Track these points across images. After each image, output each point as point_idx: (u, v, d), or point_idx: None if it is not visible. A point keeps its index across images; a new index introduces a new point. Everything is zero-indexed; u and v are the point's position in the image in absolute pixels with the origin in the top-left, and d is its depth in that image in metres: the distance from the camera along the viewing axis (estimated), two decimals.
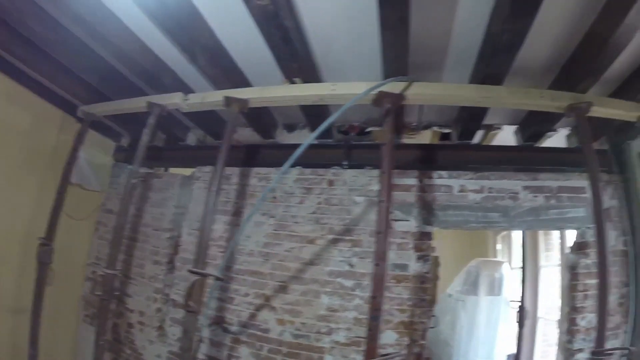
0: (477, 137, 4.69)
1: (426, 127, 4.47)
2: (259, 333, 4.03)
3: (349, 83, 3.25)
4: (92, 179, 5.29)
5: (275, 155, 4.29)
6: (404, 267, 3.87)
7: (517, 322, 5.63)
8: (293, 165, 4.09)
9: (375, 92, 3.12)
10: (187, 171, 5.08)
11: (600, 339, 2.93)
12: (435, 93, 3.26)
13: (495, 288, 6.47)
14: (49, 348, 4.72)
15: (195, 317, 3.12)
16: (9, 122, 4.41)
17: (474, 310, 6.34)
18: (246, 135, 4.69)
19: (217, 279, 3.22)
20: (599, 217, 3.03)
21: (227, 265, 4.22)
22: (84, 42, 3.60)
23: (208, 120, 4.50)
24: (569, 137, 4.51)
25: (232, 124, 3.52)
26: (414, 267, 3.85)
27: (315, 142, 4.30)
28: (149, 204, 5.03)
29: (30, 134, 4.66)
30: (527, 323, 6.22)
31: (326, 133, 4.27)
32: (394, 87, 3.15)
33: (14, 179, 4.54)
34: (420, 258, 3.88)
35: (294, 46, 3.13)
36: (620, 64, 3.23)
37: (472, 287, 6.49)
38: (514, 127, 4.50)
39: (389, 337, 3.78)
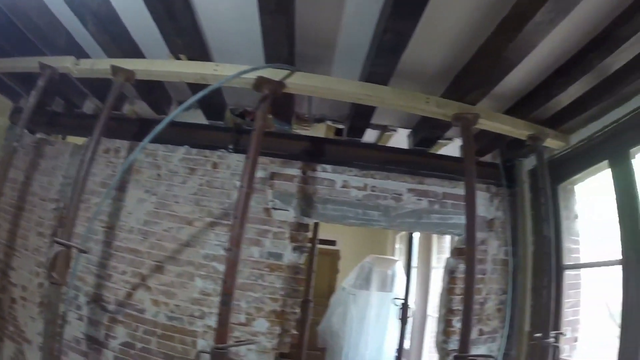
0: (372, 137, 4.74)
1: (319, 121, 4.48)
2: (134, 313, 3.92)
3: (233, 65, 3.18)
4: None
5: (165, 133, 4.12)
6: (278, 256, 3.89)
7: (400, 318, 5.74)
8: (181, 144, 4.07)
9: (254, 77, 3.07)
10: (81, 140, 4.82)
11: (464, 344, 2.94)
12: (317, 85, 3.23)
13: (387, 284, 6.64)
14: None
15: (58, 289, 2.99)
16: None
17: (365, 304, 6.50)
18: (144, 108, 4.55)
19: (80, 251, 3.11)
20: (470, 225, 3.12)
21: (106, 241, 4.11)
22: None
23: (105, 88, 4.28)
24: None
25: (115, 95, 3.37)
26: (289, 257, 3.88)
27: (206, 123, 4.28)
28: (39, 171, 4.78)
29: None
30: (417, 320, 6.41)
31: (218, 114, 4.21)
32: (275, 74, 3.11)
33: None
34: (296, 249, 3.90)
35: (179, 22, 3.03)
36: (516, 81, 3.34)
37: (364, 282, 6.66)
38: (407, 131, 4.56)
39: (261, 325, 3.80)
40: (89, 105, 4.94)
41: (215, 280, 3.80)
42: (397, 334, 6.05)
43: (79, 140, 4.82)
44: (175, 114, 3.01)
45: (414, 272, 6.50)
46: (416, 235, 6.46)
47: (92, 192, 4.21)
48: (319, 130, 4.69)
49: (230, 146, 4.11)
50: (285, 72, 3.14)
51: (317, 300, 7.39)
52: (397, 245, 8.68)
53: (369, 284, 6.64)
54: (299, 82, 3.18)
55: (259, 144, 2.97)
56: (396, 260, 7.07)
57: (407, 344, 6.63)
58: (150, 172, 4.17)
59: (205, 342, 3.73)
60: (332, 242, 9.56)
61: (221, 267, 3.77)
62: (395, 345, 6.21)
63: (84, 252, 3.17)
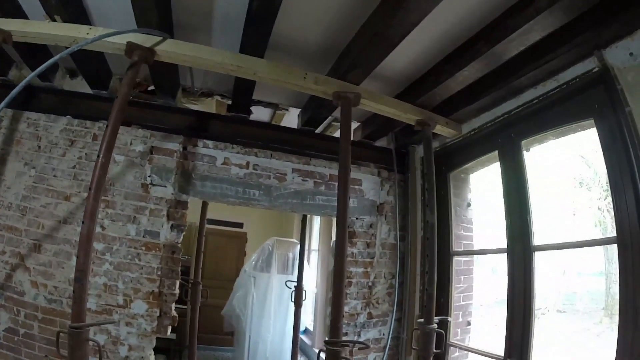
0: (265, 115, 4.71)
1: (207, 95, 4.40)
2: (15, 296, 3.69)
3: (104, 30, 2.99)
4: None
5: (49, 102, 3.97)
6: (155, 234, 3.81)
7: (293, 301, 5.75)
8: (63, 114, 3.88)
9: (124, 42, 2.94)
10: None
11: (335, 329, 2.91)
12: (188, 53, 3.10)
13: (288, 267, 6.65)
14: None
15: None
16: None
17: (266, 287, 6.50)
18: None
19: None
20: (342, 206, 3.07)
21: None
22: None
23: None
24: (355, 130, 4.64)
25: None
26: (166, 235, 3.80)
27: (90, 92, 4.09)
28: None
29: None
30: (319, 302, 6.46)
31: (103, 84, 4.06)
32: (148, 40, 2.98)
33: None
34: (174, 227, 3.84)
35: None
36: (404, 65, 3.44)
37: (265, 264, 6.66)
38: (298, 111, 4.54)
39: (139, 307, 3.71)
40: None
41: (92, 260, 3.60)
42: (300, 317, 6.06)
43: None
44: (31, 77, 2.85)
45: (315, 255, 6.52)
46: (317, 218, 6.49)
47: None
48: (209, 106, 4.62)
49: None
50: (157, 39, 3.01)
51: (223, 284, 7.43)
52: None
53: (270, 267, 6.64)
54: (170, 49, 3.04)
55: (121, 112, 2.85)
56: (297, 243, 7.07)
57: (310, 326, 6.68)
58: (31, 143, 3.91)
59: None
60: (240, 225, 9.51)
61: (98, 246, 3.70)
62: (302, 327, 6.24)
63: None
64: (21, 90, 3.76)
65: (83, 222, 2.69)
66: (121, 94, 2.90)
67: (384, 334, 4.34)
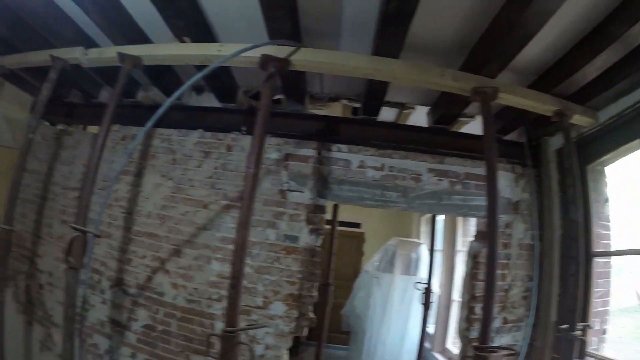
0: (391, 116, 4.60)
1: (334, 100, 4.36)
2: (154, 296, 3.97)
3: (237, 45, 3.08)
4: (7, 135, 5.15)
5: (179, 117, 4.18)
6: (294, 238, 3.83)
7: (423, 303, 5.60)
8: (195, 128, 4.03)
9: (259, 55, 2.97)
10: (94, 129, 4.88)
11: (484, 334, 2.80)
12: (323, 60, 3.10)
13: (411, 268, 6.50)
14: None
15: (75, 273, 3.04)
16: None
17: (389, 288, 6.37)
18: (159, 95, 4.55)
19: (95, 235, 3.10)
20: (492, 207, 2.93)
21: (126, 227, 4.16)
22: None
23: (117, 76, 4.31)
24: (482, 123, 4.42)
25: (123, 81, 3.37)
26: (305, 239, 3.81)
27: (219, 106, 4.23)
28: (60, 162, 4.88)
29: None
30: (442, 305, 6.24)
31: (230, 97, 4.16)
32: (280, 51, 3.00)
33: None
34: (313, 231, 3.83)
35: (178, 3, 2.99)
36: (537, 53, 3.17)
37: (388, 265, 6.54)
38: (427, 109, 4.40)
39: (278, 309, 3.76)
40: (104, 95, 4.97)
41: (232, 263, 3.74)
42: (420, 319, 5.91)
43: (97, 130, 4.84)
44: (176, 95, 2.97)
45: (438, 256, 6.33)
46: (440, 218, 6.29)
47: (112, 179, 4.24)
48: (334, 110, 4.58)
49: (244, 128, 4.05)
50: (290, 48, 3.02)
51: (341, 283, 7.38)
52: (422, 228, 8.41)
53: (393, 267, 6.51)
54: (304, 58, 3.06)
55: (265, 123, 2.90)
56: (420, 243, 6.89)
57: (431, 329, 6.50)
58: (166, 157, 4.19)
59: (222, 325, 3.66)
60: (357, 225, 9.40)
61: None
62: (419, 330, 6.07)
63: (98, 236, 3.15)
64: (152, 109, 3.98)
65: (237, 231, 2.72)
66: (263, 105, 2.92)
67: (517, 340, 4.09)
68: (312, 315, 3.83)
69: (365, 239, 9.41)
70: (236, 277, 2.71)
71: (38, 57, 3.90)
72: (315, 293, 3.83)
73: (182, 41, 3.32)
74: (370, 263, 6.96)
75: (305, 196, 3.87)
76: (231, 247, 3.66)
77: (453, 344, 6.12)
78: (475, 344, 2.84)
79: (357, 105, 4.35)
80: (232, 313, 2.70)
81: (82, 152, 4.70)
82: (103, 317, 4.12)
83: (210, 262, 3.84)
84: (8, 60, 4.24)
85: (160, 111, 2.91)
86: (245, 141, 4.01)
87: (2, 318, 3.66)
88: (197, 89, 4.46)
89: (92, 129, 5.07)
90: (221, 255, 3.83)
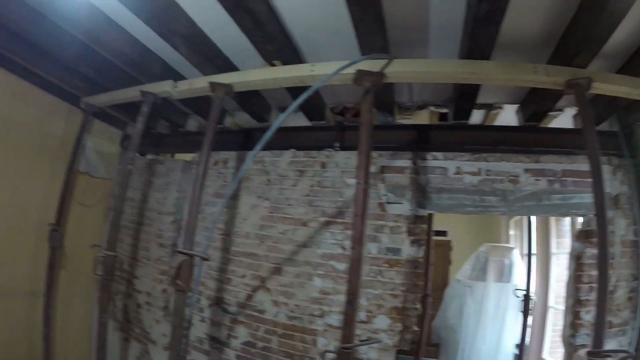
0: (478, 117, 4.51)
1: (421, 107, 4.32)
2: (255, 314, 4.06)
3: (328, 63, 3.10)
4: (100, 167, 5.46)
5: (270, 139, 4.22)
6: (396, 251, 3.78)
7: (522, 311, 5.41)
8: (286, 148, 4.12)
9: (353, 71, 2.99)
10: (189, 156, 5.16)
11: (598, 338, 2.69)
12: (417, 70, 3.06)
13: (504, 274, 6.29)
14: (64, 328, 5.02)
15: (184, 295, 3.13)
16: (17, 117, 4.63)
17: (482, 296, 6.17)
18: (245, 119, 4.67)
19: (203, 259, 3.17)
20: (600, 204, 2.79)
21: (225, 247, 4.29)
22: (77, 38, 3.66)
23: (204, 105, 4.45)
24: (575, 117, 4.27)
25: (216, 110, 3.46)
26: (407, 251, 3.74)
27: (309, 124, 4.30)
28: (153, 189, 5.12)
29: (38, 126, 4.88)
30: (537, 312, 5.99)
31: (318, 115, 4.22)
32: (373, 65, 3.00)
33: (26, 169, 4.77)
34: (414, 242, 3.76)
35: (267, 29, 3.08)
36: (623, 36, 3.03)
37: (480, 272, 6.34)
38: (515, 107, 4.29)
39: (381, 322, 3.73)
40: (191, 123, 5.15)
41: (334, 278, 3.81)
42: (519, 328, 5.70)
43: (186, 157, 5.16)
44: (283, 117, 2.96)
45: (529, 260, 6.10)
46: (533, 219, 6.07)
47: (207, 202, 4.41)
48: (422, 118, 4.52)
49: (336, 144, 4.07)
50: (383, 61, 3.00)
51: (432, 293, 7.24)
52: (511, 232, 8.15)
53: (486, 275, 6.31)
54: (398, 69, 3.03)
55: (369, 137, 2.90)
56: (512, 248, 6.64)
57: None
58: (260, 178, 4.30)
59: (325, 341, 3.75)
60: (443, 233, 9.22)
61: (339, 266, 3.80)
62: (516, 340, 5.87)
63: (206, 259, 3.21)
64: (241, 133, 4.10)
65: (354, 248, 2.72)
66: (365, 120, 2.94)
67: (622, 345, 3.84)
68: (415, 327, 3.77)
69: (452, 246, 9.28)
70: (352, 293, 2.70)
71: (127, 94, 4.14)
72: (418, 305, 3.76)
73: (273, 64, 3.39)
74: (462, 271, 6.76)
75: (404, 207, 3.81)
76: (333, 262, 3.78)
77: (550, 355, 5.80)
78: (584, 350, 2.81)
79: (445, 110, 4.29)
80: (348, 329, 2.68)
81: (174, 179, 4.96)
82: (202, 335, 4.30)
83: (312, 278, 3.87)
84: (98, 100, 4.51)
85: (268, 134, 2.97)
86: (339, 157, 4.06)
87: (105, 337, 3.86)
88: (282, 110, 4.50)
89: (179, 156, 5.30)
90: (322, 271, 3.86)
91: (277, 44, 3.25)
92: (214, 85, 3.45)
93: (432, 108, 4.34)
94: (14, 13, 3.33)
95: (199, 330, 4.31)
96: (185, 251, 3.10)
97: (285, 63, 3.42)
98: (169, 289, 4.70)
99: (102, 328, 3.80)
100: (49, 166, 4.99)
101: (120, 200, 3.92)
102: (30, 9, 3.35)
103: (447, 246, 9.25)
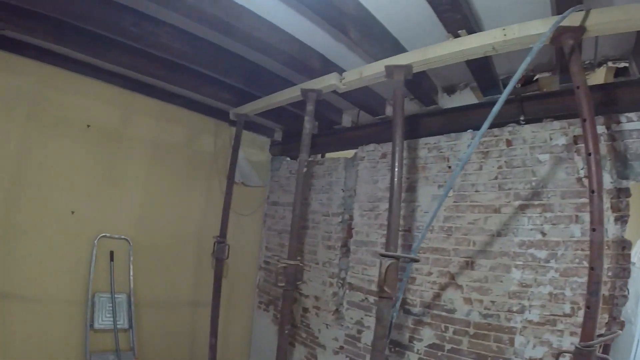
0: None
1: (600, 64, 3.78)
2: (443, 314, 3.80)
3: (521, 25, 2.76)
4: (253, 176, 5.65)
5: (441, 122, 4.05)
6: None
7: None
8: (463, 130, 3.82)
9: (545, 30, 2.61)
10: (342, 154, 5.14)
11: None
12: (620, 19, 2.57)
13: None
14: (225, 335, 5.31)
15: (389, 303, 2.91)
16: (168, 139, 5.11)
17: None
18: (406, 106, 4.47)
19: (412, 260, 2.95)
20: None
21: (405, 245, 4.08)
22: (220, 46, 3.74)
23: (360, 98, 4.33)
24: None
25: (400, 94, 3.19)
26: (612, 230, 3.28)
27: (483, 100, 3.96)
28: (314, 191, 5.07)
29: (188, 146, 5.26)
30: None
31: (492, 88, 3.88)
32: (570, 20, 2.61)
33: (183, 187, 5.18)
34: (618, 219, 3.29)
35: None
36: None
37: None
38: None
39: None
40: (346, 119, 5.03)
41: (534, 269, 3.44)
42: None
43: (338, 155, 5.17)
44: (509, 87, 2.64)
45: None
46: None
47: (380, 199, 4.24)
48: (597, 77, 4.00)
49: (521, 118, 3.70)
50: (580, 15, 2.59)
51: None
52: None
53: None
54: (599, 20, 2.60)
55: (589, 100, 2.54)
56: None
57: None
58: (439, 165, 4.03)
59: (524, 339, 3.41)
60: None
61: (539, 254, 3.43)
62: None
63: (416, 260, 2.98)
64: (406, 120, 3.86)
65: (594, 230, 2.40)
66: (581, 83, 2.57)
67: None
68: (622, 318, 3.33)
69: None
70: (596, 282, 2.40)
71: (285, 96, 4.06)
72: (627, 292, 3.32)
73: (457, 36, 3.10)
74: (635, 253, 6.06)
75: (605, 180, 3.31)
76: (532, 251, 3.46)
77: None
78: None
79: (624, 64, 3.69)
80: (590, 324, 2.38)
81: (338, 178, 4.91)
82: None
83: (510, 270, 3.54)
84: (249, 108, 4.55)
85: (496, 107, 2.69)
86: (525, 132, 3.67)
87: (286, 350, 3.72)
88: (448, 90, 4.24)
89: (330, 155, 5.24)
90: (521, 261, 3.50)
91: (464, 11, 2.94)
92: (391, 69, 3.20)
93: (610, 64, 3.80)
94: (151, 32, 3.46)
95: None
96: (392, 254, 2.85)
97: (467, 32, 3.08)
98: (339, 292, 4.61)
99: (283, 341, 3.67)
100: (203, 181, 5.36)
101: (297, 205, 3.84)
102: (166, 24, 3.48)
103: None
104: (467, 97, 4.11)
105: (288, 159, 5.85)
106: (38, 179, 4.18)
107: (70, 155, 4.40)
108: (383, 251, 2.88)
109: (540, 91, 3.76)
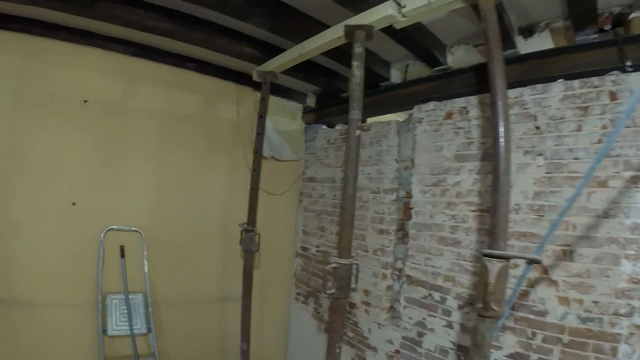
0: None
1: None
2: (531, 317, 3.06)
3: None
4: (285, 149, 5.15)
5: (522, 70, 3.22)
6: None
7: None
8: (550, 80, 3.03)
9: None
10: (390, 118, 4.49)
11: None
12: None
13: None
14: (259, 332, 5.13)
15: (493, 323, 2.11)
16: (181, 110, 4.64)
17: None
18: (459, 56, 3.72)
19: (533, 262, 2.23)
20: None
21: (480, 229, 3.38)
22: None
23: (415, 43, 3.54)
24: None
25: (493, 19, 2.28)
26: None
27: (567, 45, 3.16)
28: (359, 163, 4.35)
29: (207, 116, 4.83)
30: None
31: (586, 28, 3.02)
32: None
33: (202, 165, 4.79)
34: None
35: None
36: None
37: None
38: None
39: None
40: (395, 74, 4.37)
41: None
42: None
43: (381, 119, 4.56)
44: None
45: None
46: None
47: (446, 170, 3.64)
48: None
49: (628, 63, 2.81)
50: None
51: None
52: None
53: None
54: None
55: None
56: None
57: None
58: (524, 126, 3.21)
59: (629, 348, 2.65)
60: None
61: None
62: None
63: (538, 262, 2.23)
64: (471, 72, 3.10)
65: None
66: None
67: None
68: None
69: None
70: None
71: (324, 39, 3.16)
72: None
73: None
74: None
75: None
76: None
77: None
78: None
79: None
80: None
81: (389, 146, 4.26)
82: (446, 344, 3.51)
83: (619, 262, 2.74)
84: (277, 63, 3.83)
85: None
86: (634, 81, 2.81)
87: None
88: (526, 31, 3.40)
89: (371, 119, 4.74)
90: (634, 251, 2.70)
91: None
92: None
93: None
94: None
95: (441, 338, 3.55)
96: (503, 253, 2.02)
97: None
98: (395, 286, 3.98)
99: (332, 356, 2.83)
100: (226, 158, 4.96)
101: (352, 179, 2.87)
102: None
103: None
104: (544, 41, 3.29)
105: (324, 127, 5.28)
106: (31, 168, 3.82)
107: (67, 137, 4.00)
108: (486, 249, 2.07)
109: None
